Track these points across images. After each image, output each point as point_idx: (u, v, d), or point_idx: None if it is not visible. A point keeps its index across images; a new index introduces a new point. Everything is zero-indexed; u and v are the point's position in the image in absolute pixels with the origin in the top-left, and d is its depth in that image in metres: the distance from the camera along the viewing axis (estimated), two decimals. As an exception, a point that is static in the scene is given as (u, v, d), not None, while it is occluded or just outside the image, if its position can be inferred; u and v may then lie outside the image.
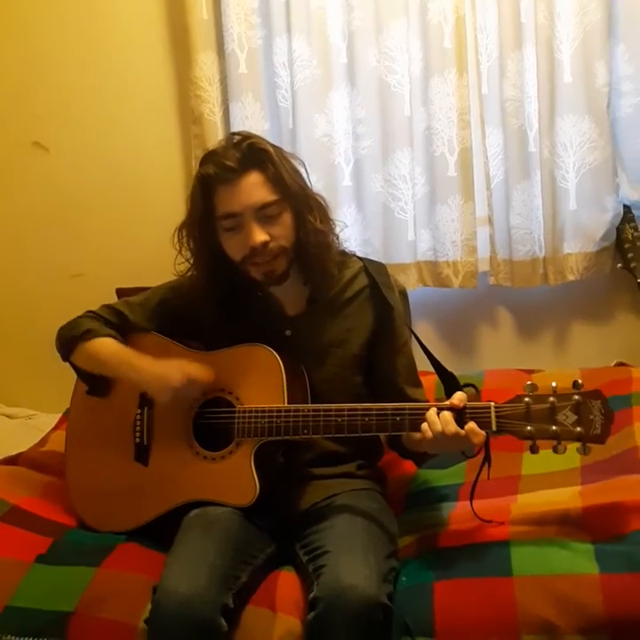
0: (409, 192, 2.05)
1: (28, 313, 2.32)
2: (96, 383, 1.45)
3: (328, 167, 2.05)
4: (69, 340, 1.44)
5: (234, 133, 1.40)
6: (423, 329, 2.16)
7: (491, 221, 2.06)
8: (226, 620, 1.15)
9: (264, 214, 1.32)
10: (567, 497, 1.37)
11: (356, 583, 1.12)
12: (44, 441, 1.84)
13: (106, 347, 1.41)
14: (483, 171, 2.05)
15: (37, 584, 1.29)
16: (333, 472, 1.41)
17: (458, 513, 1.40)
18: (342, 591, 1.11)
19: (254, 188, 1.31)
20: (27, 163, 2.25)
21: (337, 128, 2.05)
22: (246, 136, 1.37)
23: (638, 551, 1.20)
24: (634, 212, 2.01)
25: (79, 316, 1.48)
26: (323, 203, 1.40)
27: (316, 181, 2.05)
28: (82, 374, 1.46)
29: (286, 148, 2.06)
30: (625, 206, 2.01)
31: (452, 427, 1.20)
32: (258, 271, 1.35)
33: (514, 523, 1.31)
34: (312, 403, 1.35)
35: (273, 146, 1.36)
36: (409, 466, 1.56)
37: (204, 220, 1.35)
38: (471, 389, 1.30)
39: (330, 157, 2.06)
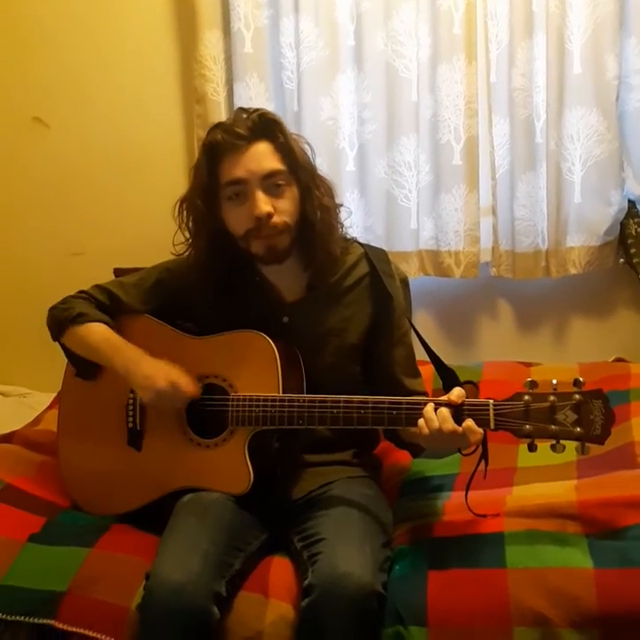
0: (413, 179, 2.03)
1: (25, 291, 2.30)
2: (85, 366, 1.42)
3: (332, 151, 2.03)
4: (61, 322, 1.42)
5: (242, 108, 1.37)
6: (423, 318, 2.15)
7: (494, 212, 2.05)
8: (218, 607, 1.15)
9: (271, 183, 1.29)
10: (562, 490, 1.36)
11: (351, 571, 1.12)
12: (38, 420, 1.83)
13: (97, 333, 1.39)
14: (488, 160, 2.03)
15: (30, 563, 1.29)
16: (329, 459, 1.41)
17: (453, 503, 1.40)
18: (338, 578, 1.11)
19: (263, 156, 1.29)
20: (27, 139, 2.22)
21: (342, 112, 2.03)
22: (258, 109, 1.35)
23: (632, 546, 1.20)
24: (639, 207, 2.00)
25: (72, 296, 1.46)
26: (329, 183, 1.38)
27: (319, 165, 2.03)
28: (71, 357, 1.44)
29: (291, 130, 2.05)
30: (630, 201, 2.00)
31: (450, 424, 1.18)
32: (260, 245, 1.32)
33: (509, 515, 1.31)
34: (308, 392, 1.34)
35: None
36: (404, 454, 1.55)
37: (208, 189, 1.32)
38: (471, 386, 1.28)
39: (334, 141, 2.04)
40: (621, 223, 2.00)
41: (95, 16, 2.14)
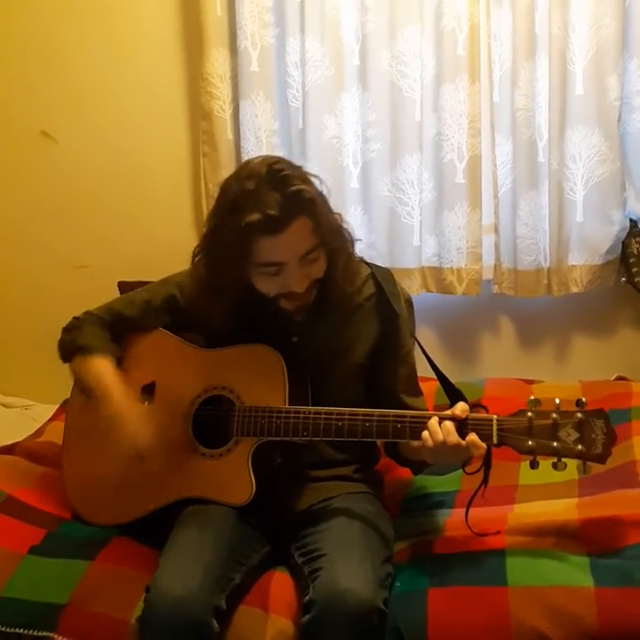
0: (416, 197, 2.05)
1: (28, 303, 2.31)
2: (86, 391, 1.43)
3: (336, 169, 2.05)
4: (68, 349, 1.44)
5: (270, 163, 1.25)
6: (425, 335, 2.15)
7: (496, 230, 2.06)
8: (218, 621, 1.14)
9: (306, 260, 1.29)
10: (564, 508, 1.36)
11: (352, 587, 1.12)
12: (40, 431, 1.83)
13: (98, 369, 1.39)
14: (491, 179, 2.05)
15: (30, 575, 1.29)
16: (330, 474, 1.41)
17: (454, 520, 1.40)
18: (339, 594, 1.11)
19: (299, 238, 1.26)
20: (34, 153, 2.24)
21: (346, 130, 2.05)
22: (284, 175, 1.23)
23: (633, 565, 1.20)
24: (640, 226, 2.02)
25: (82, 319, 1.46)
26: (347, 230, 1.37)
27: (322, 182, 2.06)
28: (77, 379, 1.45)
29: (295, 148, 2.08)
30: (631, 220, 2.01)
31: (454, 437, 1.19)
32: (290, 304, 1.33)
33: (510, 532, 1.31)
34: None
35: (305, 179, 1.27)
36: (405, 470, 1.56)
37: (238, 265, 1.28)
38: (481, 410, 1.28)
39: (338, 159, 2.05)
40: (623, 242, 2.00)
41: (103, 32, 2.16)
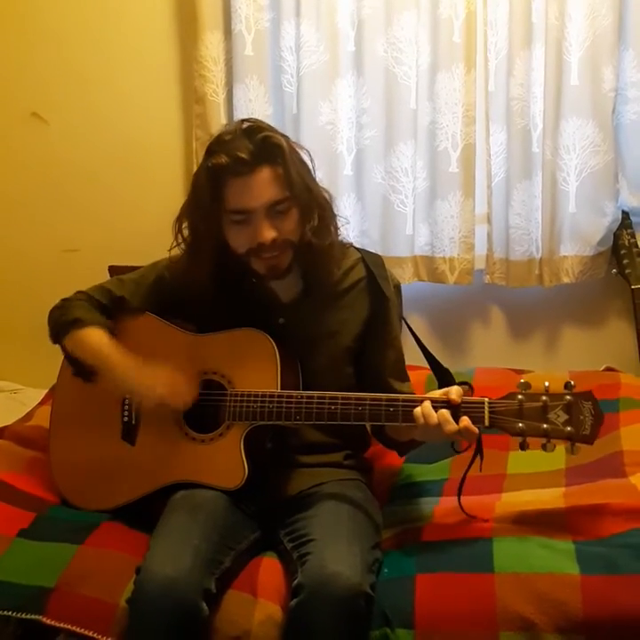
0: (410, 185, 2.05)
1: (17, 287, 2.30)
2: (83, 369, 1.42)
3: (330, 155, 2.04)
4: (59, 326, 1.42)
5: (244, 120, 1.35)
6: (416, 323, 2.14)
7: (489, 220, 2.06)
8: (207, 604, 1.15)
9: (274, 210, 1.30)
10: (551, 497, 1.38)
11: (340, 571, 1.12)
12: (29, 415, 1.83)
13: (94, 340, 1.39)
14: (484, 168, 2.04)
15: (18, 558, 1.28)
16: (321, 461, 1.41)
17: (442, 508, 1.41)
18: (327, 579, 1.12)
19: (267, 185, 1.29)
20: (25, 135, 2.22)
21: (341, 116, 2.04)
22: (259, 126, 1.32)
23: (618, 554, 1.21)
24: (632, 218, 2.02)
25: (71, 299, 1.46)
26: (328, 198, 1.39)
27: (317, 169, 2.05)
28: (70, 359, 1.44)
29: (289, 134, 2.03)
30: (623, 212, 2.02)
31: (452, 426, 1.20)
32: (262, 265, 1.34)
33: (497, 520, 1.32)
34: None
35: (284, 137, 1.33)
36: (395, 458, 1.57)
37: (211, 210, 1.32)
38: (466, 387, 1.30)
39: (332, 145, 2.04)
40: (615, 234, 2.01)
41: (96, 13, 2.14)
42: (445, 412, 1.21)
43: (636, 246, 1.98)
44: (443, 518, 1.36)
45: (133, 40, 2.15)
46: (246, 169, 1.28)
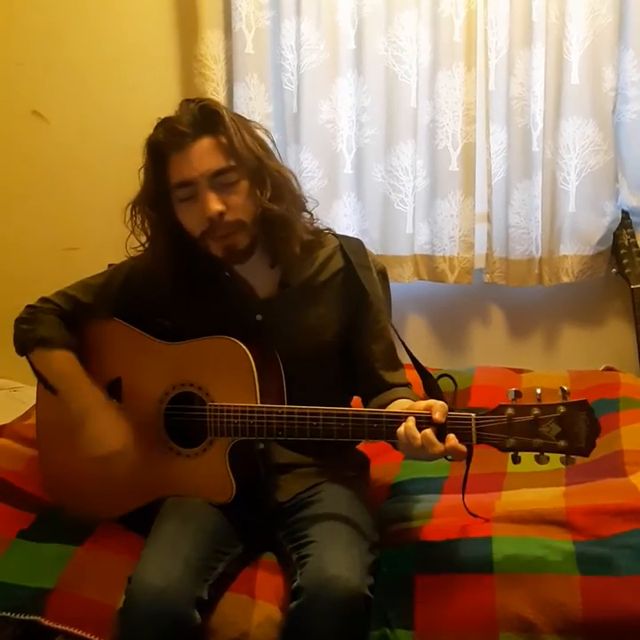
0: (410, 184, 2.04)
1: (16, 285, 2.28)
2: (47, 384, 1.38)
3: (330, 154, 2.04)
4: (25, 341, 1.38)
5: (188, 100, 1.29)
6: (416, 323, 2.16)
7: (489, 219, 2.06)
8: (200, 612, 1.14)
9: (219, 182, 1.23)
10: (551, 497, 1.37)
11: (339, 574, 1.12)
12: (28, 414, 1.81)
13: (59, 364, 1.34)
14: (485, 167, 2.04)
15: (18, 559, 1.28)
16: (315, 461, 1.38)
17: (441, 506, 1.40)
18: (326, 581, 1.11)
19: (207, 154, 1.23)
20: (24, 132, 2.21)
21: (341, 115, 2.04)
22: (200, 99, 1.28)
23: (618, 555, 1.21)
24: (632, 218, 2.02)
25: (36, 310, 1.39)
26: (288, 175, 1.31)
27: (317, 168, 2.06)
28: (36, 372, 1.39)
29: (289, 132, 2.07)
30: (623, 212, 2.02)
31: (437, 448, 1.13)
32: (217, 246, 1.27)
33: (497, 520, 1.31)
34: (288, 392, 1.30)
35: (228, 110, 1.28)
36: (394, 455, 1.55)
37: (159, 191, 1.27)
38: (447, 379, 1.25)
39: (332, 144, 2.04)
40: (614, 233, 2.01)
41: (96, 11, 2.13)
42: (429, 433, 1.13)
43: (636, 246, 1.99)
44: (442, 517, 1.35)
45: (134, 38, 2.14)
46: (186, 140, 1.23)
